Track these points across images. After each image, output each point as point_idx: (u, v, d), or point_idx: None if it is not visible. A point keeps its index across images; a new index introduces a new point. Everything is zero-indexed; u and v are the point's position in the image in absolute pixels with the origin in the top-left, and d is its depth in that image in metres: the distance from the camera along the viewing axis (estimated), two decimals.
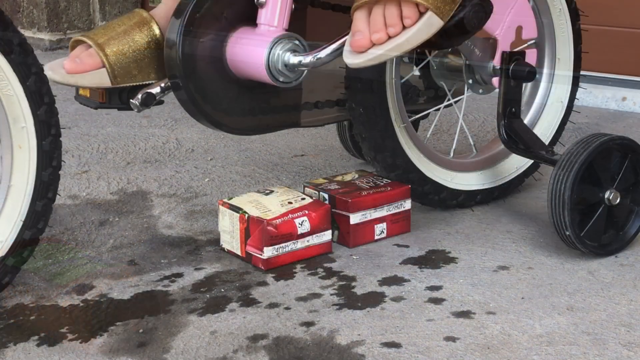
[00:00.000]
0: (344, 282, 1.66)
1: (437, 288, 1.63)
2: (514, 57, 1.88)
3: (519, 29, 1.90)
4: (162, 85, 1.67)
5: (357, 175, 1.94)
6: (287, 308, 1.56)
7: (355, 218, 1.81)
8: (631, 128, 2.80)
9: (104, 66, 1.62)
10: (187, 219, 2.00)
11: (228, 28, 1.68)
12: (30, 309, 1.56)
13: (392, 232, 1.87)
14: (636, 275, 1.67)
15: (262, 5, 1.67)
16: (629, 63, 3.17)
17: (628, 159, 1.73)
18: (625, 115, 3.01)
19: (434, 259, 1.76)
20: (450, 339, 1.44)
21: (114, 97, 1.68)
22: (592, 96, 3.21)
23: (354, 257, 1.77)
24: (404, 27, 1.56)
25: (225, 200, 1.80)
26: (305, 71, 1.70)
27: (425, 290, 1.62)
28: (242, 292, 1.63)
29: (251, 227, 1.71)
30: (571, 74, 2.17)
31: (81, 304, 1.58)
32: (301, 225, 1.73)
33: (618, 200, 1.70)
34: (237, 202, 1.78)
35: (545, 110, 2.15)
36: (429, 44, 1.67)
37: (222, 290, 1.63)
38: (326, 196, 1.84)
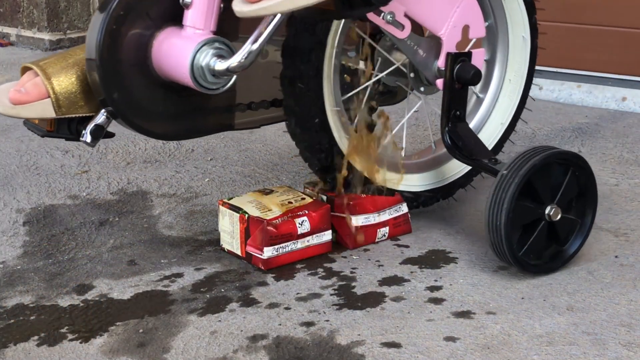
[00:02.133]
0: (344, 282, 1.66)
1: (437, 288, 1.63)
2: (459, 59, 1.79)
3: (465, 29, 1.81)
4: (106, 113, 1.59)
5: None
6: (287, 308, 1.56)
7: (357, 220, 1.80)
8: (631, 128, 2.80)
9: (49, 96, 1.57)
10: (187, 219, 2.00)
11: (153, 28, 1.59)
12: (30, 309, 1.56)
13: (394, 235, 1.87)
14: (636, 275, 1.67)
15: (187, 6, 1.58)
16: (629, 63, 3.17)
17: (570, 173, 1.66)
18: (625, 115, 3.01)
19: (434, 259, 1.76)
20: (450, 339, 1.44)
21: (63, 127, 1.62)
22: (592, 96, 3.21)
23: (354, 257, 1.77)
24: None
25: (225, 200, 1.80)
26: (234, 76, 1.61)
27: (425, 290, 1.62)
28: (242, 292, 1.63)
29: (251, 227, 1.71)
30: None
31: (81, 304, 1.58)
32: (301, 225, 1.73)
33: (559, 217, 1.64)
34: (237, 202, 1.78)
35: (484, 127, 2.04)
36: (329, 13, 1.58)
37: (222, 290, 1.63)
38: (324, 198, 1.85)
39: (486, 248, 1.81)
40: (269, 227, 1.68)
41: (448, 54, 1.78)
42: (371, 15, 1.66)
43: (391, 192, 1.88)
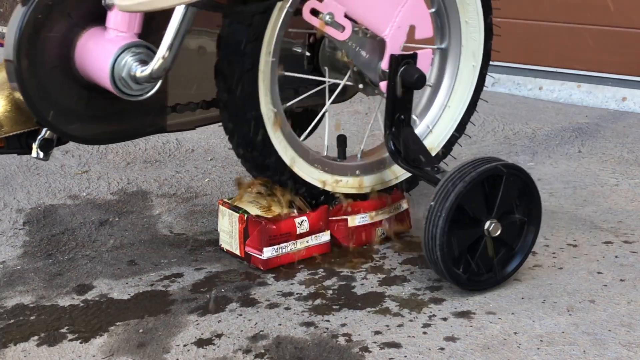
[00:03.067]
0: (344, 282, 1.66)
1: (437, 288, 1.63)
2: (403, 61, 1.71)
3: (411, 29, 1.73)
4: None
5: None
6: (287, 308, 1.56)
7: (354, 221, 1.80)
8: (631, 128, 2.80)
9: None
10: (187, 219, 2.00)
11: (76, 29, 1.51)
12: (30, 309, 1.56)
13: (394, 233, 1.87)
14: (636, 275, 1.67)
15: (109, 8, 1.49)
16: (629, 63, 3.17)
17: (504, 184, 1.57)
18: (625, 115, 3.01)
19: None
20: (450, 339, 1.43)
21: (13, 142, 1.57)
22: (592, 96, 3.21)
23: (354, 257, 1.77)
24: None
25: (225, 200, 1.80)
26: (159, 82, 1.53)
27: (425, 290, 1.62)
28: (242, 292, 1.63)
29: (250, 227, 1.71)
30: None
31: (81, 304, 1.58)
32: (300, 225, 1.73)
33: (499, 232, 1.57)
34: (237, 202, 1.77)
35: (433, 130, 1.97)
36: (221, 7, 1.51)
37: (222, 290, 1.63)
38: None
39: None
40: (268, 227, 1.68)
41: (392, 56, 1.70)
42: (308, 17, 1.61)
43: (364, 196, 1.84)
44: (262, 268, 1.70)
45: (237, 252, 1.75)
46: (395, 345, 1.42)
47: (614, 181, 2.24)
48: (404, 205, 1.88)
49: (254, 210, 1.73)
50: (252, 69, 1.63)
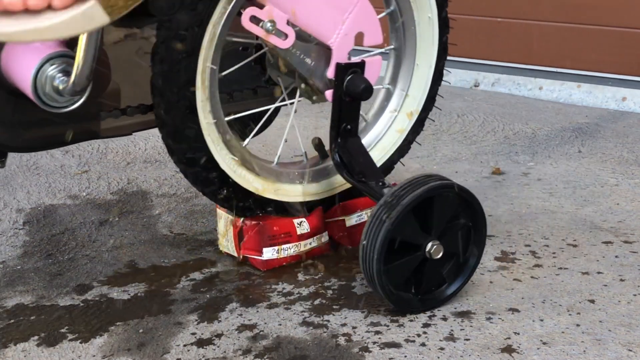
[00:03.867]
0: (344, 282, 1.66)
1: None
2: (349, 70, 1.64)
3: (359, 36, 1.66)
4: None
5: None
6: (287, 308, 1.56)
7: (351, 220, 1.80)
8: (631, 128, 2.81)
9: None
10: (187, 219, 2.00)
11: None
12: (30, 309, 1.56)
13: None
14: (636, 275, 1.67)
15: None
16: (629, 63, 3.17)
17: (437, 204, 1.50)
18: (625, 115, 3.01)
19: None
20: (450, 339, 1.44)
21: None
22: (592, 96, 3.21)
23: (354, 257, 1.77)
24: (51, 7, 1.21)
25: None
26: (86, 92, 1.44)
27: None
28: (242, 292, 1.62)
29: (245, 229, 1.70)
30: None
31: (81, 304, 1.58)
32: (300, 225, 1.72)
33: (441, 253, 1.50)
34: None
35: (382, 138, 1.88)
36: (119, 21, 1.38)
37: (222, 290, 1.63)
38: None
39: (486, 248, 1.81)
40: (266, 227, 1.68)
41: (338, 65, 1.63)
42: (248, 25, 1.53)
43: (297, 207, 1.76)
44: (262, 269, 1.70)
45: (235, 254, 1.75)
46: (395, 345, 1.42)
47: (614, 181, 2.24)
48: None
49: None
50: (188, 82, 1.53)
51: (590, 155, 2.48)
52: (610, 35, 3.19)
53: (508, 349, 1.40)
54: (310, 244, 1.74)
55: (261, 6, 1.53)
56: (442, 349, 1.40)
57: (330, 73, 1.65)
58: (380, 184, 1.61)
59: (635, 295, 1.59)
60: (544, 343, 1.42)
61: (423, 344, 1.42)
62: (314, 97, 1.72)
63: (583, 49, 3.27)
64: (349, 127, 1.67)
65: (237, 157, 1.65)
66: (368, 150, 1.79)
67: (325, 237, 1.77)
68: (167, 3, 1.46)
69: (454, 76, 3.62)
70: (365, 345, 1.42)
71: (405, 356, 1.38)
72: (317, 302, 1.58)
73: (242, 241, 1.71)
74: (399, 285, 1.50)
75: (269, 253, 1.69)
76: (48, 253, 1.81)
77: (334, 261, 1.76)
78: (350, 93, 1.64)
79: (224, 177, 1.63)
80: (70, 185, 2.22)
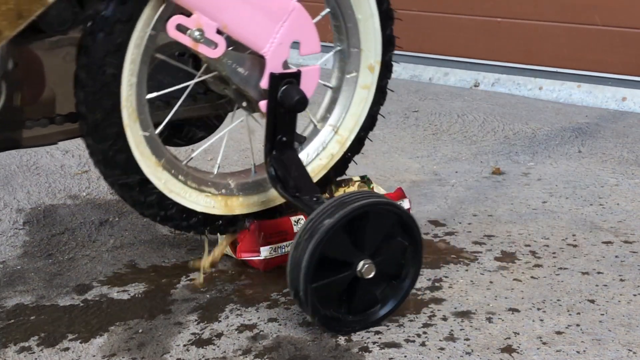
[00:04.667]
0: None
1: (437, 288, 1.63)
2: (283, 80, 1.58)
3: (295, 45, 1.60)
4: None
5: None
6: (287, 308, 1.56)
7: None
8: (631, 128, 2.81)
9: None
10: None
11: None
12: (30, 309, 1.56)
13: None
14: (636, 275, 1.67)
15: None
16: (629, 63, 3.17)
17: (369, 223, 1.44)
18: (625, 115, 3.02)
19: (434, 259, 1.76)
20: (450, 339, 1.44)
21: None
22: (592, 96, 3.21)
23: None
24: None
25: None
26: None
27: (425, 290, 1.62)
28: (242, 292, 1.62)
29: (240, 233, 1.70)
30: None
31: (81, 304, 1.58)
32: (297, 223, 1.72)
33: (373, 273, 1.44)
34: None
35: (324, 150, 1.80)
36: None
37: (222, 290, 1.63)
38: None
39: (486, 248, 1.81)
40: (261, 226, 1.67)
41: (271, 74, 1.57)
42: (174, 33, 1.47)
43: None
44: (261, 269, 1.70)
45: (233, 255, 1.75)
46: (395, 345, 1.42)
47: (614, 181, 2.24)
48: (405, 204, 1.88)
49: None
50: (114, 81, 1.46)
51: (590, 155, 2.48)
52: (610, 35, 3.20)
53: (508, 349, 1.40)
54: None
55: (189, 14, 1.48)
56: (442, 349, 1.40)
57: (265, 83, 1.58)
58: (315, 199, 1.54)
59: (635, 295, 1.59)
60: (544, 343, 1.42)
61: (423, 344, 1.42)
62: (250, 108, 1.66)
63: (583, 49, 3.27)
64: (284, 139, 1.60)
65: (167, 169, 1.58)
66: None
67: None
68: (57, 19, 1.43)
69: (453, 76, 3.62)
70: (365, 345, 1.42)
71: (405, 356, 1.38)
72: None
73: (237, 245, 1.70)
74: (327, 303, 1.43)
75: (266, 252, 1.68)
76: (48, 253, 1.81)
77: None
78: (285, 104, 1.58)
79: (155, 192, 1.57)
80: (70, 185, 2.22)
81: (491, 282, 1.65)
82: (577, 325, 1.48)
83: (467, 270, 1.70)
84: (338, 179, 1.89)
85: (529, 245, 1.82)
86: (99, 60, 1.45)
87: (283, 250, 1.71)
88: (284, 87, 1.57)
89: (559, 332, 1.45)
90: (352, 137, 1.80)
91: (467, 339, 1.43)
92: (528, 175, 2.31)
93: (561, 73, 3.33)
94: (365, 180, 1.96)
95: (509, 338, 1.44)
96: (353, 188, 1.93)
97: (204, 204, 1.63)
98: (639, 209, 2.04)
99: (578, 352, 1.39)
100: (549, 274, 1.68)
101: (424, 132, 2.78)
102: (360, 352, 1.40)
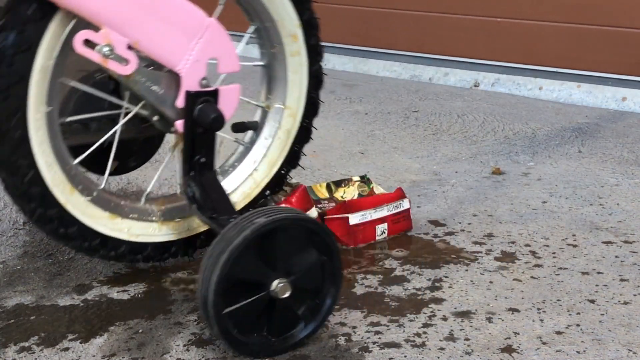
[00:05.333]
0: (343, 282, 1.66)
1: (437, 288, 1.63)
2: (200, 99, 1.52)
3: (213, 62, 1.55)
4: None
5: (357, 192, 1.94)
6: None
7: (354, 219, 1.81)
8: (631, 128, 2.81)
9: None
10: None
11: None
12: (30, 309, 1.56)
13: (394, 232, 1.87)
14: (636, 275, 1.67)
15: None
16: (629, 63, 3.17)
17: (284, 238, 1.36)
18: (625, 115, 3.02)
19: (434, 259, 1.76)
20: (450, 339, 1.44)
21: None
22: (592, 96, 3.21)
23: (354, 257, 1.77)
24: None
25: None
26: None
27: (425, 290, 1.62)
28: None
29: None
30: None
31: (81, 304, 1.58)
32: None
33: (288, 292, 1.36)
34: None
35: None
36: None
37: None
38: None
39: (486, 248, 1.81)
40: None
41: (187, 93, 1.51)
42: (81, 49, 1.41)
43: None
44: None
45: None
46: (395, 345, 1.42)
47: (614, 181, 2.24)
48: (405, 204, 1.88)
49: None
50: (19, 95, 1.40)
51: (590, 155, 2.48)
52: (610, 35, 3.20)
53: (508, 349, 1.40)
54: None
55: (97, 29, 1.42)
56: (442, 349, 1.40)
57: (181, 102, 1.52)
58: (231, 220, 1.43)
59: (635, 295, 1.59)
60: (544, 343, 1.42)
61: (423, 344, 1.42)
62: (166, 128, 1.60)
63: (583, 49, 3.27)
64: (202, 160, 1.55)
65: (79, 190, 1.53)
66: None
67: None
68: None
69: (453, 76, 3.62)
70: (365, 345, 1.42)
71: (405, 356, 1.38)
72: None
73: None
74: (245, 327, 1.36)
75: None
76: (48, 253, 1.81)
77: None
78: (201, 123, 1.52)
79: (64, 214, 1.51)
80: None
81: (491, 282, 1.65)
82: (577, 325, 1.48)
83: (467, 270, 1.71)
84: (338, 179, 1.89)
85: (529, 245, 1.82)
86: (4, 91, 1.39)
87: None
88: (200, 106, 1.52)
89: (559, 332, 1.45)
90: (302, 105, 1.76)
91: (467, 339, 1.43)
92: (528, 175, 2.32)
93: (561, 73, 3.33)
94: (365, 180, 1.97)
95: (509, 338, 1.43)
96: (353, 188, 1.94)
97: (128, 232, 1.58)
98: (639, 209, 2.04)
99: (578, 352, 1.39)
100: (549, 274, 1.68)
101: (424, 132, 2.78)
102: (360, 352, 1.40)
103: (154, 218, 1.63)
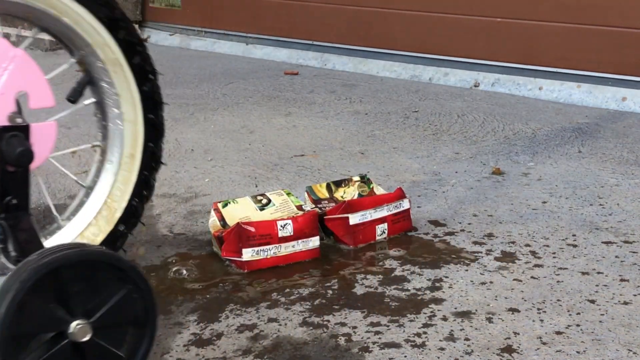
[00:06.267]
0: (344, 282, 1.66)
1: (437, 288, 1.63)
2: (7, 134, 1.39)
3: (24, 96, 1.44)
4: None
5: (357, 192, 1.94)
6: (287, 308, 1.56)
7: (354, 219, 1.80)
8: (631, 128, 2.81)
9: None
10: (187, 219, 2.00)
11: None
12: None
13: (394, 232, 1.87)
14: (636, 275, 1.67)
15: None
16: (629, 63, 3.17)
17: (67, 279, 1.20)
18: (625, 115, 3.02)
19: (434, 259, 1.76)
20: (450, 339, 1.43)
21: None
22: (592, 96, 3.21)
23: (354, 257, 1.77)
24: None
25: (220, 205, 1.80)
26: None
27: (425, 291, 1.62)
28: (242, 292, 1.62)
29: (225, 234, 1.71)
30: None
31: None
32: (283, 228, 1.72)
33: (90, 333, 1.20)
34: (228, 216, 1.78)
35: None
36: None
37: (222, 290, 1.63)
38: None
39: (486, 248, 1.81)
40: (245, 227, 1.68)
41: None
42: None
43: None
44: (244, 270, 1.70)
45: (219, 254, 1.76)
46: (395, 345, 1.42)
47: (614, 181, 2.24)
48: (405, 204, 1.88)
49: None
50: None
51: (590, 155, 2.48)
52: (610, 35, 3.19)
53: (508, 349, 1.40)
54: (293, 247, 1.73)
55: None
56: (442, 349, 1.40)
57: None
58: None
59: (635, 295, 1.59)
60: (544, 343, 1.42)
61: (423, 344, 1.42)
62: None
63: (583, 49, 3.27)
64: (14, 201, 1.42)
65: None
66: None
67: (314, 242, 1.76)
68: None
69: (453, 76, 3.62)
70: (366, 345, 1.42)
71: (405, 356, 1.38)
72: (317, 302, 1.58)
73: (222, 244, 1.72)
74: None
75: (248, 254, 1.69)
76: None
77: (334, 261, 1.76)
78: (7, 159, 1.40)
79: None
80: (70, 185, 2.22)
81: (491, 282, 1.65)
82: (577, 325, 1.48)
83: (467, 270, 1.71)
84: (338, 179, 1.89)
85: (529, 245, 1.82)
86: None
87: (266, 253, 1.71)
88: (6, 141, 1.40)
89: (559, 332, 1.45)
90: (139, 115, 1.68)
91: (467, 339, 1.43)
92: (528, 175, 2.32)
93: (561, 73, 3.33)
94: (365, 180, 1.97)
95: (509, 338, 1.43)
96: (353, 187, 1.94)
97: None
98: (639, 209, 2.04)
99: (578, 352, 1.39)
100: (549, 274, 1.68)
101: (424, 132, 2.78)
102: (360, 352, 1.40)
103: None
